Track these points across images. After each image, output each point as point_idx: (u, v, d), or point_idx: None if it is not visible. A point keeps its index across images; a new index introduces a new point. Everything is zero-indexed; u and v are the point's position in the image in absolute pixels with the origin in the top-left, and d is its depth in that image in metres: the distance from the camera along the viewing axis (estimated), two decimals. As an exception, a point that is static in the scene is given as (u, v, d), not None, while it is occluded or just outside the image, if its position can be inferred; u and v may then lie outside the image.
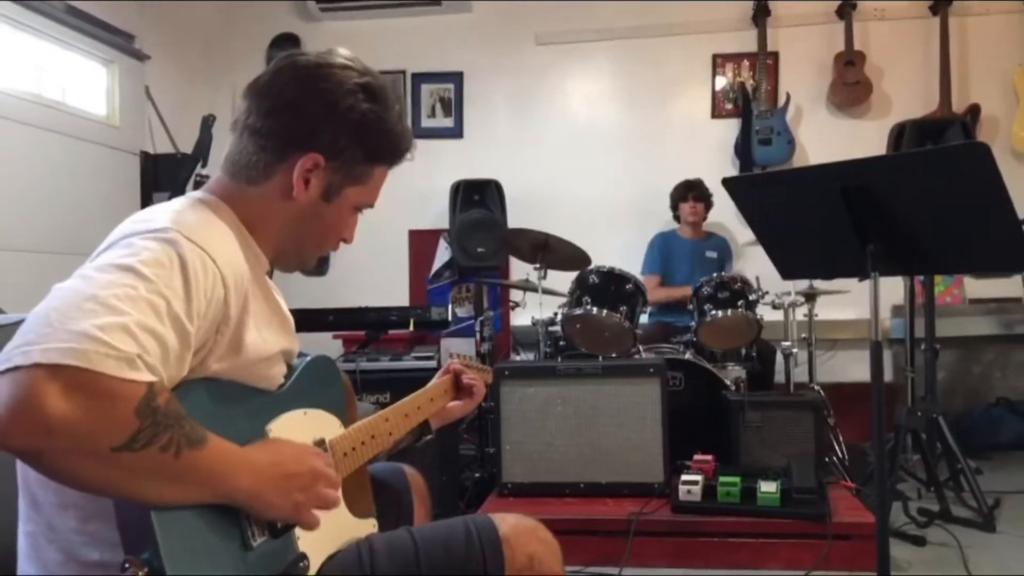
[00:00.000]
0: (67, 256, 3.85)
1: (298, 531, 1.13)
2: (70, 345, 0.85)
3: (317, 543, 1.17)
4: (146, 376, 0.89)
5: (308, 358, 1.28)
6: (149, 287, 0.94)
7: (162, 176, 4.43)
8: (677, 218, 4.61)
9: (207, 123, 4.29)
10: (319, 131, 1.20)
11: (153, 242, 1.00)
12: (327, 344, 4.10)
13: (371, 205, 1.32)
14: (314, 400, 1.26)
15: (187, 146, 4.45)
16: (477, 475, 3.41)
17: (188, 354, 0.99)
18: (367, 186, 1.29)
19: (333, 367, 1.36)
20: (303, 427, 1.22)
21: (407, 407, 1.55)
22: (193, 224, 1.08)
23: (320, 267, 5.18)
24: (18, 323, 0.91)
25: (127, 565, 0.90)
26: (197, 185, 4.28)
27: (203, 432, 0.97)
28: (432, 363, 3.36)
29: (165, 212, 1.10)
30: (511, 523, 1.32)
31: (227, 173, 1.23)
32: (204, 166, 4.32)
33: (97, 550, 1.00)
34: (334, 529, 1.24)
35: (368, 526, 1.34)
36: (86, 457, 0.86)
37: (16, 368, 0.83)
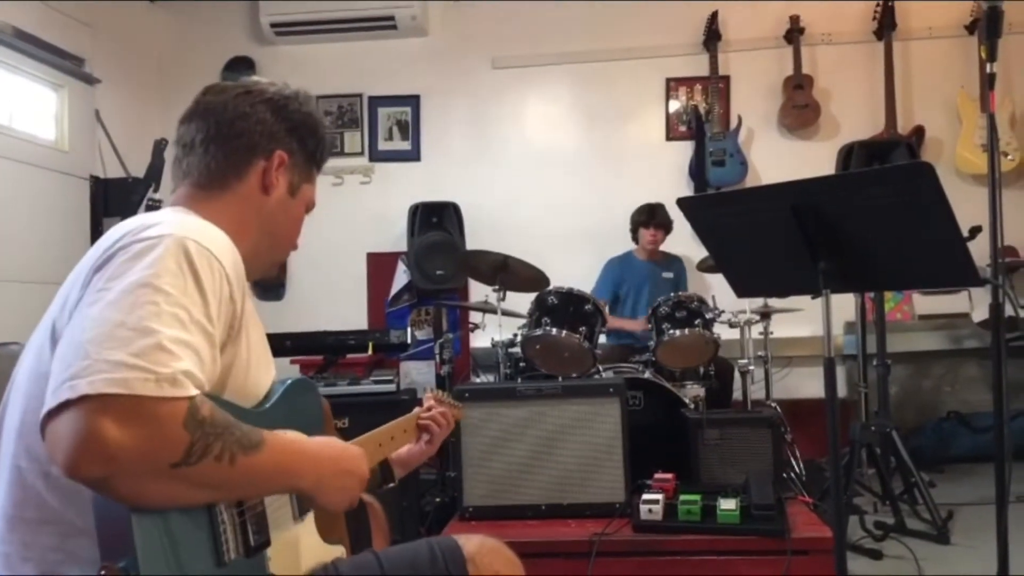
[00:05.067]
0: (14, 284, 3.76)
1: (270, 552, 1.14)
2: (112, 375, 0.90)
3: (287, 567, 1.18)
4: (187, 391, 0.94)
5: (289, 380, 1.28)
6: (168, 300, 0.98)
7: (112, 201, 4.35)
8: (636, 239, 4.65)
9: (159, 147, 4.24)
10: (277, 131, 1.29)
11: (161, 249, 1.03)
12: (285, 369, 4.04)
13: (314, 205, 1.40)
14: (292, 423, 1.24)
15: (138, 170, 4.39)
16: (438, 499, 3.38)
17: (217, 352, 1.05)
18: (312, 185, 1.39)
19: (314, 390, 1.35)
20: None
21: (380, 437, 1.56)
22: (190, 225, 1.12)
23: (277, 291, 5.14)
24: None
25: (103, 572, 0.91)
26: (149, 209, 4.21)
27: (259, 436, 1.03)
28: (391, 387, 3.32)
29: (157, 218, 1.13)
30: (476, 543, 1.34)
31: (193, 185, 1.27)
32: (156, 190, 4.26)
33: (76, 567, 1.01)
34: (305, 554, 1.24)
35: (337, 552, 1.34)
36: (149, 477, 0.92)
37: (68, 403, 0.89)
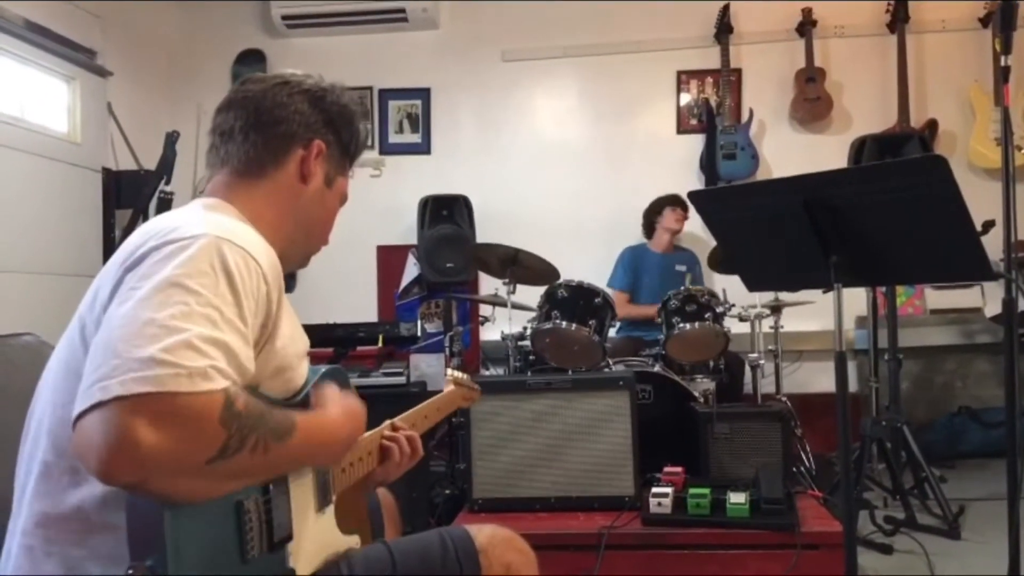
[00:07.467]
0: (27, 275, 3.78)
1: (291, 547, 1.13)
2: (143, 373, 0.88)
3: (306, 559, 1.18)
4: (220, 384, 0.92)
5: (324, 369, 1.29)
6: (199, 300, 0.97)
7: (125, 193, 4.37)
8: (649, 233, 4.65)
9: (171, 139, 4.25)
10: (314, 122, 1.30)
11: (194, 249, 1.02)
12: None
13: (347, 199, 1.43)
14: None
15: (150, 163, 4.40)
16: (447, 492, 3.38)
17: (251, 352, 1.03)
18: (346, 179, 1.40)
19: (346, 381, 1.35)
20: None
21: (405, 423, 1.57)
22: (223, 224, 1.11)
23: (287, 283, 5.15)
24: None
25: (131, 572, 0.90)
26: (161, 202, 4.22)
27: (291, 421, 1.03)
28: (401, 379, 3.32)
29: (190, 217, 1.12)
30: (487, 533, 1.34)
31: (231, 172, 1.28)
32: (168, 183, 4.27)
33: (98, 564, 1.01)
34: (323, 546, 1.25)
35: (352, 542, 1.34)
36: (184, 475, 0.91)
37: (99, 404, 0.87)
